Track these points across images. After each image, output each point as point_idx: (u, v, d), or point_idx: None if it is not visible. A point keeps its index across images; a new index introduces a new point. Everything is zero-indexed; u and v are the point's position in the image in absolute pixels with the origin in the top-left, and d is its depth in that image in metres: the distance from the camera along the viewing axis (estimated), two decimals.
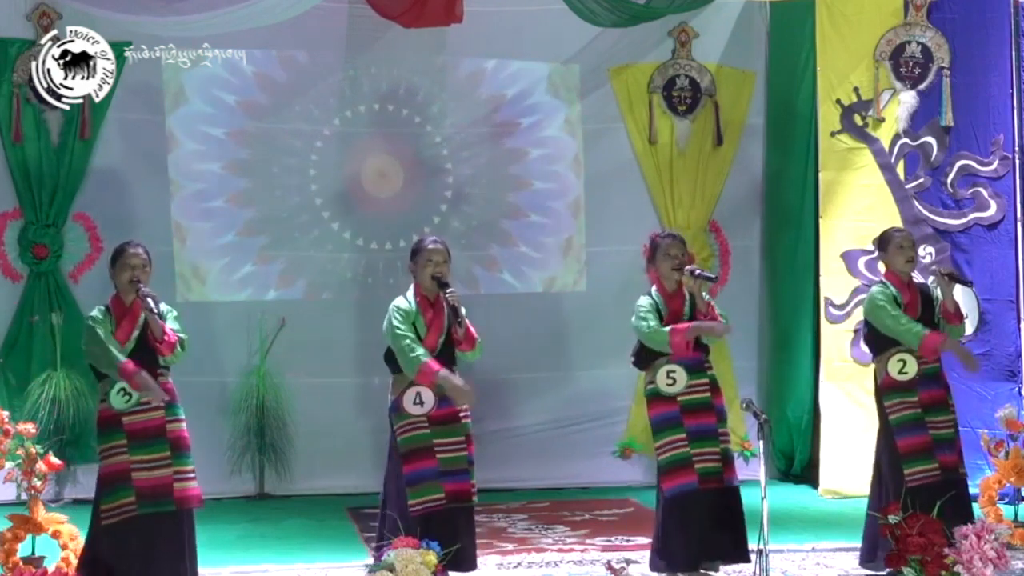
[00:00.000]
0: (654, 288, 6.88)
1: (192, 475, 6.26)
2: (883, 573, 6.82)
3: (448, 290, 6.42)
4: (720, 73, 10.28)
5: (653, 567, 6.81)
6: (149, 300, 6.15)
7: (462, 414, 6.50)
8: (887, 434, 7.01)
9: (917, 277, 7.24)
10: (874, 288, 7.14)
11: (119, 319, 6.24)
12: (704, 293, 6.91)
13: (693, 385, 6.73)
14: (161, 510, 6.13)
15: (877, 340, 7.06)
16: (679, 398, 6.71)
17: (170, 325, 6.29)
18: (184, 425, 6.32)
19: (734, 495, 6.75)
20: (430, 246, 6.54)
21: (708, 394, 6.76)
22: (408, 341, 6.40)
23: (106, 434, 6.22)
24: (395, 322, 6.45)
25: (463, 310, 6.54)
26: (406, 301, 6.50)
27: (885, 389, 7.00)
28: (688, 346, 6.69)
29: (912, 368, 6.92)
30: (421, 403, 6.42)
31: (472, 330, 6.52)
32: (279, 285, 9.99)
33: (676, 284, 6.80)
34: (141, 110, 9.70)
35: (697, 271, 6.76)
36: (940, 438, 6.92)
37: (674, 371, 6.72)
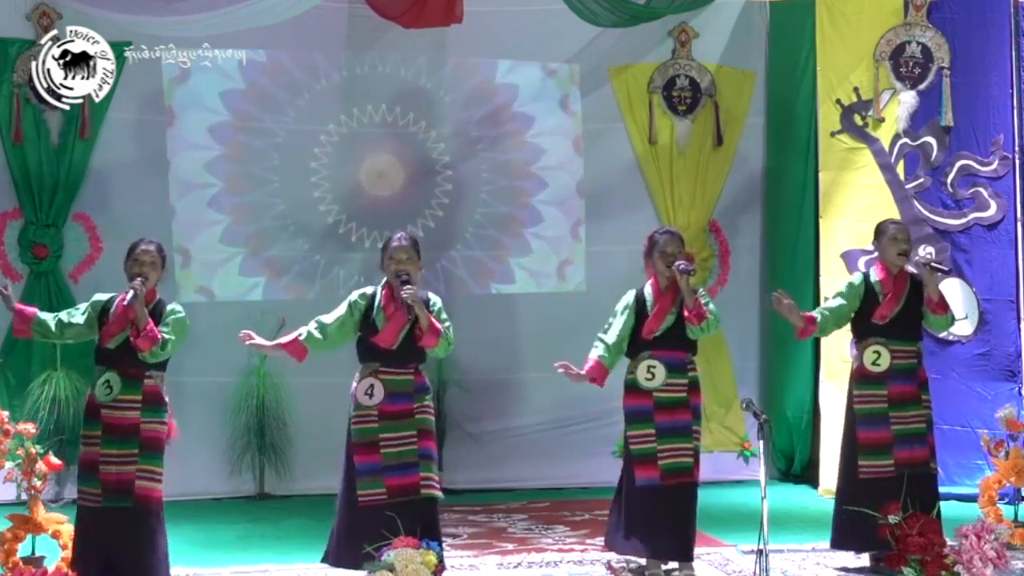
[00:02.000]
0: (648, 283, 6.90)
1: (158, 477, 6.27)
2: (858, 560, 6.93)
3: (406, 287, 6.40)
4: (720, 73, 10.28)
5: (608, 547, 6.87)
6: (132, 291, 6.18)
7: (416, 410, 6.48)
8: (850, 423, 7.11)
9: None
10: (856, 275, 7.26)
11: (111, 313, 6.28)
12: (701, 290, 6.91)
13: (671, 384, 6.76)
14: (121, 505, 6.16)
15: (857, 328, 7.12)
16: (654, 394, 6.74)
17: (165, 326, 6.27)
18: (163, 428, 6.32)
19: (693, 494, 6.76)
20: (394, 243, 6.57)
21: (685, 394, 6.78)
22: (321, 318, 6.58)
23: (88, 422, 6.32)
24: (344, 303, 6.58)
25: (438, 301, 6.55)
26: (369, 290, 6.58)
27: (857, 378, 7.11)
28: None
29: (885, 361, 6.98)
30: (371, 395, 6.45)
31: (436, 324, 6.46)
32: (279, 285, 9.99)
33: (669, 280, 6.83)
34: (141, 110, 9.70)
35: (681, 265, 6.75)
36: (907, 432, 6.96)
37: (654, 366, 6.75)
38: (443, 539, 6.59)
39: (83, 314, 6.37)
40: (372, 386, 6.44)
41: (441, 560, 6.38)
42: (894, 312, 6.99)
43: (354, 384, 6.54)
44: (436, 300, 6.61)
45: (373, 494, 6.42)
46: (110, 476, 6.18)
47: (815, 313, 7.25)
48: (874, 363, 7.00)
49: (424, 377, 6.59)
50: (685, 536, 6.73)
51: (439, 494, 6.50)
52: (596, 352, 6.91)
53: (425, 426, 6.51)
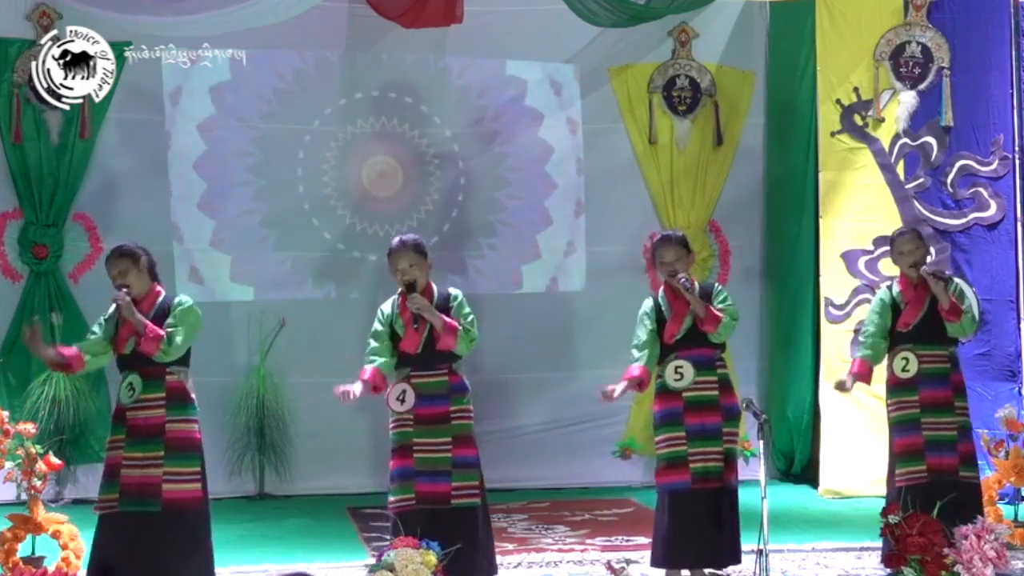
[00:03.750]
0: (662, 288, 6.87)
1: (191, 477, 6.13)
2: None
3: (411, 298, 6.36)
4: (720, 73, 10.29)
5: (652, 563, 6.81)
6: (116, 303, 6.08)
7: (453, 414, 6.44)
8: (890, 433, 7.09)
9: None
10: (880, 289, 7.24)
11: (120, 322, 6.23)
12: (718, 286, 6.90)
13: (700, 382, 6.70)
14: (146, 510, 6.03)
15: (888, 338, 7.12)
16: (684, 394, 6.69)
17: (172, 320, 6.15)
18: (193, 426, 6.19)
19: (732, 496, 6.72)
20: (393, 251, 6.49)
21: (716, 392, 6.70)
22: (370, 347, 6.46)
23: (114, 427, 6.18)
24: (374, 326, 6.49)
25: (459, 294, 6.49)
26: (389, 304, 6.52)
27: (890, 387, 7.07)
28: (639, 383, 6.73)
29: (913, 366, 6.95)
30: (403, 401, 6.39)
31: (451, 322, 6.38)
32: (278, 285, 9.99)
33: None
34: (141, 110, 9.70)
35: (682, 278, 6.71)
36: (938, 439, 6.92)
37: (681, 366, 6.69)
38: (492, 543, 6.53)
39: (99, 327, 6.23)
40: (404, 391, 6.38)
41: (493, 566, 6.40)
42: (917, 318, 6.96)
43: (388, 390, 6.49)
44: (457, 294, 6.53)
45: (403, 499, 6.33)
46: (132, 479, 6.04)
47: (860, 356, 7.11)
48: (903, 369, 6.98)
49: (460, 376, 6.48)
50: (723, 541, 6.63)
51: (474, 501, 6.38)
52: (633, 361, 6.80)
53: (462, 432, 6.44)
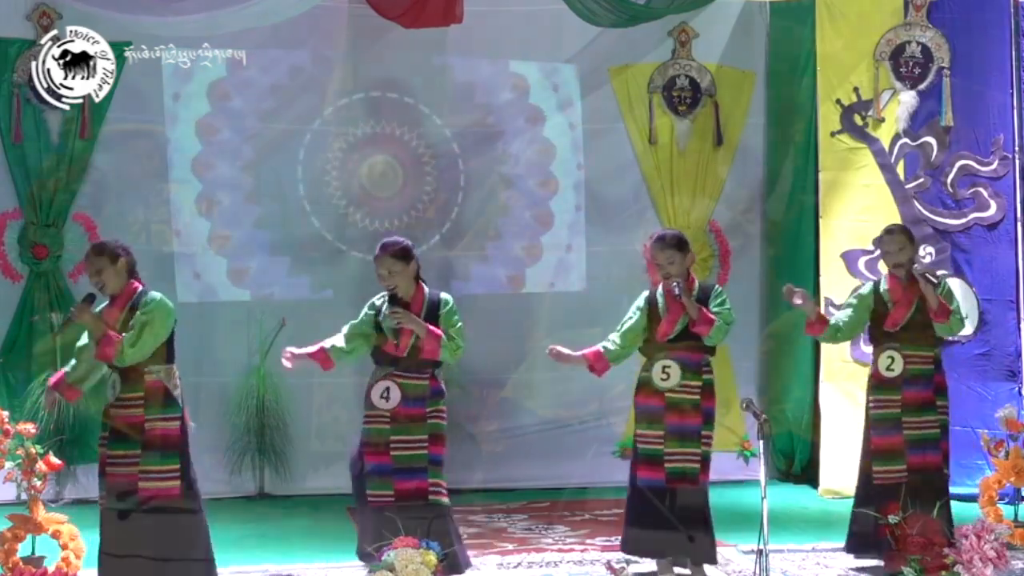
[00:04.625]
0: (661, 285, 6.88)
1: (168, 475, 6.12)
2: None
3: (392, 311, 6.43)
4: (720, 73, 10.29)
5: (624, 549, 6.91)
6: (70, 318, 6.16)
7: (429, 414, 6.49)
8: (866, 428, 7.16)
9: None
10: (867, 284, 7.36)
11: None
12: (718, 287, 6.93)
13: (685, 385, 6.75)
14: (126, 508, 6.10)
15: (873, 335, 7.20)
16: (667, 394, 6.73)
17: (133, 322, 6.11)
18: (172, 424, 6.17)
19: (703, 496, 6.77)
20: (375, 257, 6.55)
21: (698, 396, 6.76)
22: (344, 331, 6.63)
23: (103, 424, 6.25)
24: (360, 315, 6.62)
25: (449, 300, 6.56)
26: (379, 298, 6.58)
27: (873, 383, 7.15)
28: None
29: (898, 366, 7.02)
30: (387, 398, 6.45)
31: (435, 330, 6.45)
32: (279, 285, 9.99)
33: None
34: (141, 110, 9.69)
35: (673, 287, 6.72)
36: (920, 438, 7.01)
37: (669, 366, 6.74)
38: (461, 540, 6.66)
39: (88, 334, 6.26)
40: (388, 389, 6.44)
41: (466, 561, 6.52)
42: (905, 318, 7.03)
43: (368, 384, 6.54)
44: (448, 300, 6.59)
45: (381, 495, 6.44)
46: (116, 478, 6.12)
47: (830, 317, 7.30)
48: (888, 368, 7.05)
49: (439, 382, 6.58)
50: (693, 539, 6.70)
51: (446, 500, 6.51)
52: (605, 343, 6.90)
53: (437, 431, 6.52)
